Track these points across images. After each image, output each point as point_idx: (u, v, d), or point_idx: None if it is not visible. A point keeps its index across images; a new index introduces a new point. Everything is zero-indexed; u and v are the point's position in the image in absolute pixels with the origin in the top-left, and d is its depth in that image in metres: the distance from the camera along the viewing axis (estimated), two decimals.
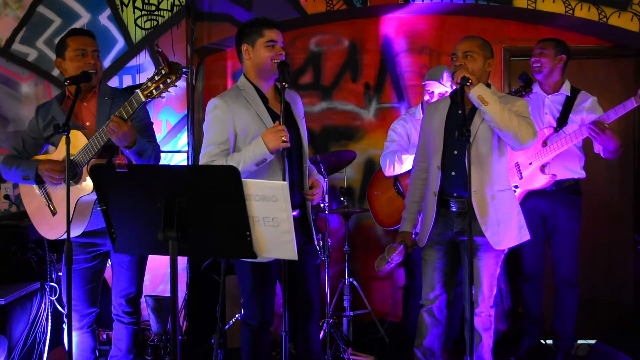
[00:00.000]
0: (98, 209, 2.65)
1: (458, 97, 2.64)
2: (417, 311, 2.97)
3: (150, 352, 3.63)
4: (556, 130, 3.31)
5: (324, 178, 3.65)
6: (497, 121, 2.58)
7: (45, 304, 3.31)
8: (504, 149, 2.75)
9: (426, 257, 2.89)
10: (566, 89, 3.39)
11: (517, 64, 4.28)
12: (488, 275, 2.78)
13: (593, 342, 3.63)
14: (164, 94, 2.38)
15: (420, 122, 3.51)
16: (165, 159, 3.99)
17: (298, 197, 2.53)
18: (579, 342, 3.68)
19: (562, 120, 3.33)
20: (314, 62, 4.34)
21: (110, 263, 2.92)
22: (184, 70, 2.35)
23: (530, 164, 3.32)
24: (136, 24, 3.98)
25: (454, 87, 3.23)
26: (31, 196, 2.84)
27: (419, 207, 2.97)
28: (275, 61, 2.50)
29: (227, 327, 3.56)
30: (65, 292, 2.82)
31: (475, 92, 2.59)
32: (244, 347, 2.60)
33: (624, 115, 3.19)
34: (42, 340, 3.26)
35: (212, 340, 3.53)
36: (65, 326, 2.90)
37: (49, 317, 3.29)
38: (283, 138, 2.38)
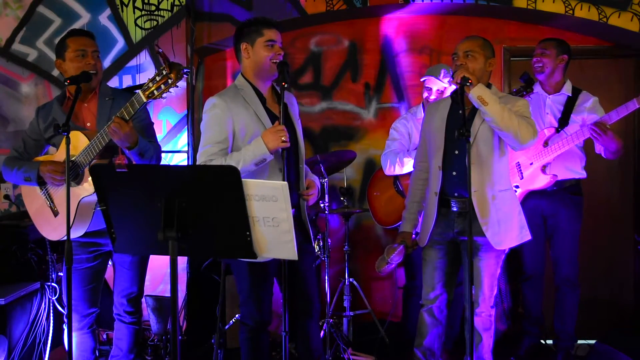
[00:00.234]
0: (99, 209, 2.66)
1: (458, 97, 2.64)
2: (417, 311, 2.97)
3: (150, 352, 3.63)
4: (557, 130, 3.31)
5: (324, 178, 3.66)
6: (497, 121, 2.58)
7: (45, 304, 3.31)
8: (505, 149, 2.75)
9: (427, 257, 2.89)
10: (567, 89, 3.39)
11: (517, 64, 4.28)
12: (489, 275, 2.78)
13: (593, 342, 3.63)
14: (165, 94, 2.38)
15: (421, 122, 3.53)
16: (165, 159, 3.99)
17: (294, 197, 2.53)
18: (579, 342, 3.68)
19: (563, 121, 3.33)
20: (314, 62, 4.34)
21: (111, 263, 2.92)
22: (185, 70, 2.35)
23: (531, 164, 3.32)
24: (136, 24, 3.98)
25: (451, 84, 3.24)
26: (33, 197, 2.85)
27: (419, 207, 2.97)
28: (274, 61, 2.50)
29: (227, 327, 3.56)
30: (66, 292, 2.83)
31: (475, 93, 2.59)
32: (242, 347, 2.60)
33: (624, 116, 3.19)
34: (42, 340, 3.26)
35: (212, 340, 3.53)
36: (65, 326, 2.90)
37: (49, 317, 3.29)
38: (283, 138, 2.38)
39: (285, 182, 1.80)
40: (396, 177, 3.65)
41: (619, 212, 4.30)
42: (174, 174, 1.88)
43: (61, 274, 3.34)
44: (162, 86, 2.35)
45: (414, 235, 2.99)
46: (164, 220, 1.72)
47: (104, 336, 3.72)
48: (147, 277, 3.92)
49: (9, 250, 3.32)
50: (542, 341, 3.72)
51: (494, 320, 2.86)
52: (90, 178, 2.56)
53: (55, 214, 2.76)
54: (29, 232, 3.29)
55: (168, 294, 3.79)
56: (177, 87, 2.38)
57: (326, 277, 3.70)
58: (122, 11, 3.97)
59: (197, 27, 4.06)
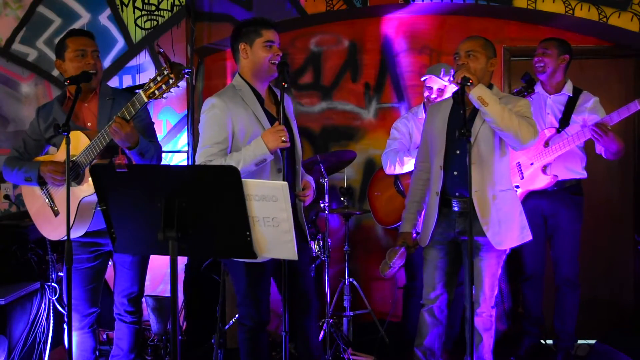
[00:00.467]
0: (100, 209, 2.66)
1: (459, 97, 2.65)
2: (418, 311, 2.97)
3: (150, 352, 3.63)
4: (558, 131, 3.31)
5: (324, 178, 3.66)
6: (497, 122, 2.58)
7: (45, 304, 3.31)
8: (506, 149, 2.75)
9: (427, 257, 2.89)
10: (568, 89, 3.39)
11: (517, 64, 4.28)
12: (489, 276, 2.78)
13: (593, 342, 3.63)
14: (166, 95, 2.38)
15: (422, 121, 3.53)
16: (165, 159, 3.99)
17: (291, 197, 2.53)
18: (579, 342, 3.68)
19: (564, 121, 3.32)
20: (314, 62, 4.34)
21: (111, 263, 2.92)
22: (186, 70, 2.35)
23: (532, 164, 3.32)
24: (136, 24, 3.98)
25: (452, 83, 3.24)
26: (33, 197, 2.85)
27: (419, 207, 2.97)
28: (273, 62, 2.50)
29: (227, 327, 3.56)
30: (66, 292, 2.82)
31: (475, 93, 2.59)
32: (242, 348, 2.59)
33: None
34: (42, 340, 3.26)
35: (212, 340, 3.53)
36: (66, 326, 2.90)
37: (49, 317, 3.29)
38: (283, 138, 2.38)
39: (285, 182, 1.80)
40: (397, 177, 3.65)
41: (619, 212, 4.30)
42: (174, 174, 1.88)
43: (61, 274, 3.34)
44: (163, 86, 2.35)
45: (414, 235, 2.99)
46: (164, 220, 1.72)
47: (104, 336, 3.72)
48: (147, 277, 3.91)
49: (9, 250, 3.32)
50: (542, 341, 3.72)
51: (495, 321, 2.86)
52: (90, 178, 2.57)
53: (56, 213, 2.76)
54: (29, 232, 3.29)
55: (168, 294, 3.79)
56: (178, 87, 2.38)
57: (326, 277, 3.70)
58: (122, 11, 3.97)
59: (197, 27, 4.07)
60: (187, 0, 3.98)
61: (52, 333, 3.28)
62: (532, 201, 3.36)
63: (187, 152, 4.00)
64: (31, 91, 3.97)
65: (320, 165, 3.58)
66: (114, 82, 3.96)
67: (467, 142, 2.45)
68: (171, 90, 2.37)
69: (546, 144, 3.29)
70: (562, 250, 3.41)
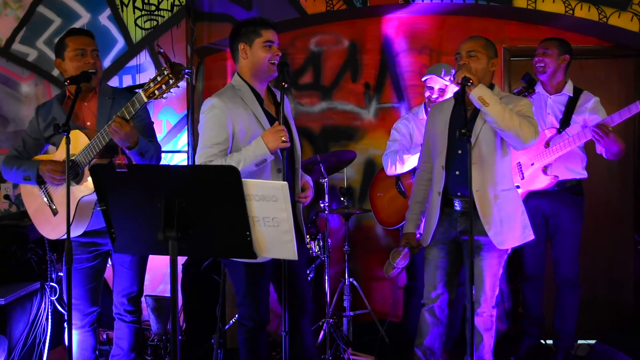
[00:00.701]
0: (99, 209, 2.66)
1: (460, 97, 2.65)
2: (418, 311, 2.97)
3: (150, 352, 3.63)
4: (559, 131, 3.30)
5: (324, 178, 3.66)
6: (498, 122, 2.59)
7: (45, 304, 3.31)
8: (507, 148, 2.76)
9: (429, 256, 2.90)
10: (569, 89, 3.39)
11: (517, 64, 4.28)
12: (491, 275, 2.78)
13: (593, 342, 3.63)
14: (166, 95, 2.38)
15: (422, 122, 3.54)
16: (165, 159, 3.99)
17: (290, 197, 2.53)
18: (579, 342, 3.68)
19: (565, 122, 3.32)
20: (314, 62, 4.34)
21: (110, 263, 2.92)
22: (186, 71, 2.35)
23: (533, 164, 3.32)
24: (136, 24, 3.98)
25: (452, 83, 3.25)
26: (32, 196, 2.85)
27: (422, 207, 2.97)
28: (273, 62, 2.50)
29: (227, 327, 3.56)
30: (66, 291, 2.82)
31: (476, 94, 2.59)
32: (241, 348, 2.59)
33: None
34: (42, 340, 3.26)
35: (212, 340, 3.53)
36: (66, 324, 2.90)
37: (49, 317, 3.29)
38: (283, 138, 2.38)
39: (285, 182, 1.80)
40: (398, 178, 3.65)
41: (619, 212, 4.30)
42: (174, 174, 1.88)
43: (61, 274, 3.34)
44: (163, 86, 2.35)
45: (418, 236, 2.99)
46: (164, 220, 1.72)
47: (104, 336, 3.72)
48: (147, 277, 3.91)
49: (9, 250, 3.32)
50: (542, 341, 3.72)
51: (496, 321, 2.86)
52: (90, 177, 2.57)
53: (55, 213, 2.76)
54: (29, 232, 3.29)
55: (168, 294, 3.79)
56: (178, 87, 2.38)
57: (326, 277, 3.70)
58: (122, 11, 3.97)
59: (197, 27, 4.07)
60: (187, 0, 3.98)
61: (51, 333, 3.28)
62: (532, 201, 3.36)
63: (187, 152, 4.00)
64: (31, 91, 3.97)
65: (320, 165, 3.58)
66: (114, 82, 3.96)
67: (468, 142, 2.46)
68: (171, 90, 2.37)
69: (547, 145, 3.29)
70: (563, 250, 3.41)
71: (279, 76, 2.47)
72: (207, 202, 1.76)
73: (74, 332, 2.78)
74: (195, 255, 3.56)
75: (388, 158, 3.55)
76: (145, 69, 3.98)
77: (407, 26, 4.30)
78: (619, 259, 4.30)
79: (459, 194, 2.77)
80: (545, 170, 3.30)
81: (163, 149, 3.95)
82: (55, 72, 3.92)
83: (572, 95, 3.37)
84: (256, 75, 2.54)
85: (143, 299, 3.72)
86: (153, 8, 3.98)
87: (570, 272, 3.40)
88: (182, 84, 3.93)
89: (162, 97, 2.38)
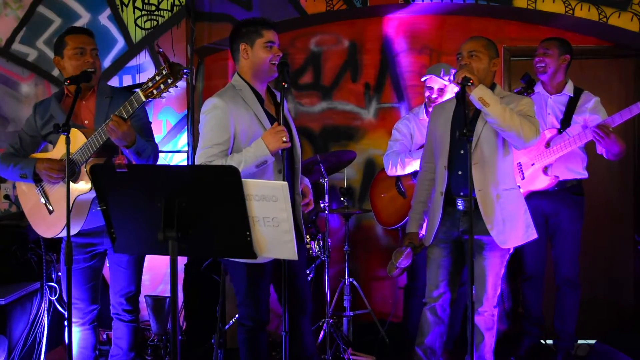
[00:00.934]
0: (97, 209, 2.66)
1: (460, 98, 2.65)
2: (418, 311, 2.97)
3: (150, 352, 3.63)
4: (560, 131, 3.30)
5: (324, 178, 3.66)
6: (499, 122, 2.59)
7: (45, 304, 3.31)
8: (509, 148, 2.76)
9: (431, 255, 2.90)
10: (569, 89, 3.39)
11: (517, 64, 4.28)
12: (493, 275, 2.78)
13: (593, 342, 3.63)
14: (164, 94, 2.38)
15: (423, 122, 3.55)
16: (165, 159, 3.99)
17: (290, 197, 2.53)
18: (579, 342, 3.68)
19: (565, 122, 3.32)
20: (314, 62, 4.34)
21: (107, 263, 2.91)
22: (185, 71, 2.35)
23: (533, 164, 3.32)
24: (136, 24, 3.98)
25: (452, 83, 3.25)
26: (28, 195, 2.84)
27: (425, 207, 2.97)
28: (274, 62, 2.50)
29: (227, 327, 3.56)
30: (65, 291, 2.82)
31: (476, 94, 2.59)
32: (241, 348, 2.59)
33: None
34: (42, 340, 3.26)
35: (212, 340, 3.53)
36: (66, 322, 2.91)
37: (48, 317, 3.29)
38: (283, 139, 2.37)
39: (285, 182, 1.80)
40: (398, 178, 3.65)
41: (619, 212, 4.30)
42: (174, 174, 1.88)
43: (60, 273, 3.34)
44: (162, 86, 2.35)
45: (421, 235, 2.99)
46: (164, 220, 1.72)
47: (104, 336, 3.72)
48: (147, 277, 3.91)
49: (9, 250, 3.32)
50: (542, 341, 3.72)
51: (497, 320, 2.86)
52: (86, 176, 2.57)
53: (50, 211, 2.75)
54: (29, 232, 3.29)
55: (168, 294, 3.79)
56: (177, 87, 2.38)
57: (326, 277, 3.70)
58: (122, 11, 3.97)
59: (197, 27, 4.07)
60: (187, 0, 3.98)
61: (48, 332, 3.28)
62: (533, 201, 3.35)
63: (187, 152, 4.00)
64: (31, 91, 3.97)
65: (320, 165, 3.58)
66: (114, 82, 3.96)
67: (468, 142, 2.46)
68: (170, 90, 2.36)
69: (547, 145, 3.29)
70: (563, 250, 3.41)
71: (279, 76, 2.47)
72: (207, 202, 1.76)
73: (74, 330, 2.79)
74: (195, 255, 3.56)
75: (389, 159, 3.55)
76: (145, 69, 3.98)
77: (407, 26, 4.30)
78: (619, 259, 4.30)
79: (461, 193, 2.77)
80: (545, 170, 3.30)
81: (163, 149, 3.97)
82: (56, 72, 3.92)
83: (572, 95, 3.37)
84: (257, 76, 2.54)
85: (142, 298, 3.72)
86: (153, 8, 3.98)
87: (570, 272, 3.40)
88: (182, 83, 3.94)
89: (161, 96, 2.38)
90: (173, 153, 4.02)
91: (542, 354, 3.65)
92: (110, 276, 2.87)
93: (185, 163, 3.98)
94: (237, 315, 3.48)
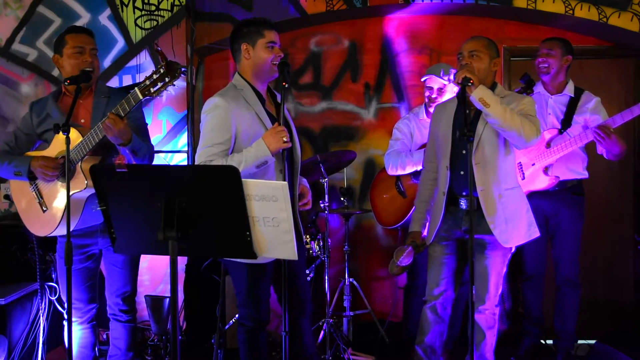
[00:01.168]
0: (94, 208, 2.66)
1: (461, 98, 2.65)
2: (418, 311, 2.97)
3: (150, 352, 3.63)
4: (560, 131, 3.30)
5: (324, 178, 3.66)
6: (500, 122, 2.59)
7: (45, 304, 3.31)
8: (510, 148, 2.76)
9: (433, 253, 2.90)
10: (570, 89, 3.38)
11: (517, 64, 4.28)
12: (495, 274, 2.79)
13: (593, 342, 3.63)
14: (162, 92, 2.38)
15: (423, 122, 3.55)
16: (165, 159, 3.99)
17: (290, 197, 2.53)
18: (579, 342, 3.68)
19: (566, 122, 3.32)
20: (314, 62, 4.34)
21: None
22: (183, 69, 2.34)
23: (534, 164, 3.32)
24: (136, 24, 3.98)
25: (452, 82, 3.25)
26: (22, 192, 2.83)
27: (428, 206, 2.97)
28: (275, 63, 2.50)
29: (227, 327, 3.56)
30: (61, 290, 2.82)
31: (477, 95, 2.59)
32: (241, 348, 2.59)
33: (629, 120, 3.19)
34: (42, 340, 3.26)
35: (212, 340, 3.53)
36: (65, 322, 2.90)
37: (48, 317, 3.29)
38: (284, 139, 2.37)
39: (285, 182, 1.80)
40: (398, 178, 3.65)
41: (619, 212, 4.30)
42: (174, 174, 1.88)
43: (57, 273, 3.33)
44: (159, 84, 2.35)
45: (424, 234, 2.99)
46: (164, 220, 1.72)
47: (104, 336, 3.72)
48: (147, 277, 3.91)
49: (9, 250, 3.32)
50: (542, 341, 3.72)
51: (498, 319, 2.86)
52: (81, 174, 2.57)
53: (44, 210, 2.75)
54: (29, 232, 3.29)
55: (168, 294, 3.79)
56: (175, 85, 2.38)
57: (326, 277, 3.70)
58: (122, 11, 3.97)
59: (197, 27, 4.07)
60: (187, 0, 3.98)
61: (48, 332, 3.28)
62: (533, 201, 3.33)
63: (187, 152, 4.00)
64: (31, 91, 3.97)
65: (320, 165, 3.58)
66: (114, 82, 3.96)
67: (469, 142, 2.46)
68: (167, 89, 2.36)
69: (548, 145, 3.29)
70: (563, 250, 3.41)
71: (280, 76, 2.47)
72: (207, 202, 1.76)
73: (74, 329, 2.78)
74: (195, 255, 3.56)
75: (390, 158, 3.55)
76: (145, 69, 3.97)
77: (407, 26, 4.30)
78: (619, 259, 4.30)
79: (464, 193, 2.78)
80: (546, 170, 3.30)
81: (163, 149, 3.97)
82: (56, 72, 3.92)
83: (573, 95, 3.37)
84: (258, 76, 2.54)
85: (142, 299, 3.72)
86: (153, 8, 3.98)
87: (570, 272, 3.40)
88: (181, 83, 3.95)
89: (159, 95, 2.38)
90: (173, 153, 4.02)
91: (542, 354, 3.65)
92: (106, 277, 2.86)
93: (185, 163, 3.98)
94: (237, 315, 3.48)
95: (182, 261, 3.84)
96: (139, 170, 1.91)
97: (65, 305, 2.83)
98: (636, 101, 3.14)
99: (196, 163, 2.44)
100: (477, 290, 2.77)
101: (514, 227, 2.74)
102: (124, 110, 2.46)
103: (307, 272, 3.60)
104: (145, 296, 3.69)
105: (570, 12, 3.87)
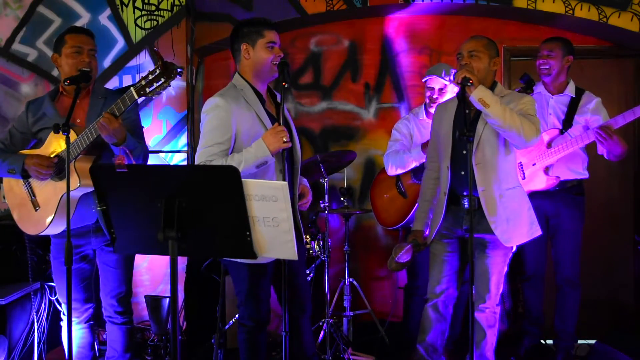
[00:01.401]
0: (96, 209, 2.66)
1: (460, 98, 2.66)
2: (419, 311, 2.97)
3: (150, 352, 3.63)
4: (561, 132, 3.30)
5: (324, 178, 3.66)
6: (500, 122, 2.59)
7: (45, 304, 3.30)
8: (510, 147, 2.77)
9: (434, 251, 2.91)
10: (571, 89, 3.38)
11: (517, 64, 4.28)
12: (496, 273, 2.79)
13: (593, 342, 3.63)
14: (161, 92, 2.37)
15: (423, 122, 3.55)
16: (165, 159, 3.99)
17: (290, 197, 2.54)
18: (579, 342, 3.67)
19: (567, 122, 3.32)
20: (314, 62, 4.34)
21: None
22: (179, 70, 2.34)
23: (534, 164, 3.32)
24: (136, 24, 3.98)
25: (452, 82, 3.25)
26: (15, 190, 2.83)
27: (431, 205, 2.98)
28: (275, 63, 2.50)
29: (227, 327, 3.56)
30: (57, 290, 2.81)
31: (476, 95, 2.60)
32: (241, 348, 2.59)
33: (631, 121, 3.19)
34: (42, 340, 3.26)
35: (212, 340, 3.53)
36: (62, 324, 2.90)
37: (48, 317, 3.29)
38: (284, 139, 2.37)
39: (286, 182, 1.80)
40: (398, 178, 3.65)
41: (619, 212, 4.30)
42: (174, 174, 1.87)
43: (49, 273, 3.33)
44: (155, 85, 2.35)
45: (427, 233, 2.99)
46: (164, 220, 1.72)
47: (104, 336, 3.71)
48: (147, 277, 3.91)
49: (9, 250, 3.32)
50: (542, 341, 3.71)
51: (499, 319, 2.86)
52: (74, 174, 2.57)
53: (36, 208, 2.75)
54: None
55: (168, 294, 3.78)
56: (171, 86, 2.37)
57: (326, 277, 3.70)
58: (122, 11, 3.97)
59: (197, 27, 4.07)
60: (187, 0, 3.98)
61: (47, 332, 3.27)
62: (534, 201, 3.32)
63: (187, 152, 4.00)
64: (31, 91, 3.97)
65: (320, 165, 3.58)
66: (114, 82, 3.96)
67: (468, 142, 2.46)
68: (164, 90, 2.36)
69: (549, 145, 3.28)
70: (564, 250, 3.40)
71: (280, 76, 2.47)
72: (207, 202, 1.76)
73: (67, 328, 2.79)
74: (195, 255, 3.56)
75: (389, 158, 3.55)
76: (145, 69, 3.97)
77: (407, 26, 4.30)
78: (619, 259, 4.30)
79: (465, 193, 2.78)
80: (547, 170, 3.30)
81: (163, 149, 3.97)
82: (55, 72, 3.92)
83: (574, 96, 3.36)
84: (258, 76, 2.54)
85: (142, 298, 3.72)
86: (153, 8, 3.98)
87: (571, 272, 3.40)
88: (181, 83, 3.94)
89: (154, 95, 2.38)
90: (173, 153, 4.02)
91: (542, 354, 3.64)
92: (100, 278, 2.85)
93: (185, 163, 3.98)
94: (237, 315, 3.48)
95: (182, 261, 3.84)
96: (139, 170, 1.91)
97: (62, 305, 2.84)
98: (636, 101, 3.14)
99: (196, 163, 2.44)
100: (478, 289, 2.78)
101: (515, 226, 2.75)
102: (119, 110, 2.46)
103: (307, 272, 3.60)
104: (145, 296, 3.69)
105: (570, 12, 3.87)
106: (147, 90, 2.36)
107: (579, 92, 3.37)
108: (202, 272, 3.79)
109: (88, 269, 2.83)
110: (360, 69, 4.34)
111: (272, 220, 1.80)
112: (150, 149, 3.96)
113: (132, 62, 3.98)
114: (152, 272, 3.95)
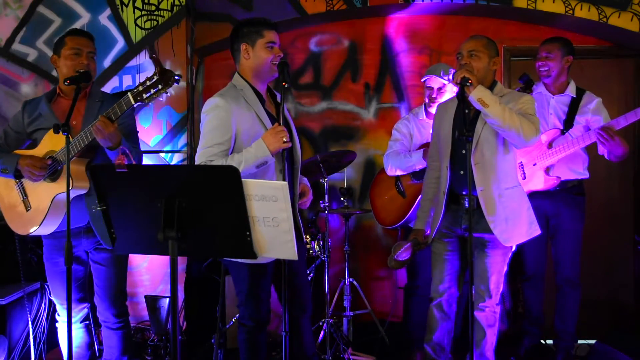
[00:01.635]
0: (96, 209, 2.66)
1: (460, 98, 2.66)
2: (419, 311, 2.98)
3: (150, 352, 3.63)
4: (562, 132, 3.30)
5: (324, 178, 3.66)
6: (499, 122, 2.59)
7: (45, 304, 3.30)
8: (510, 147, 2.77)
9: (435, 250, 2.91)
10: (572, 90, 3.38)
11: (517, 64, 4.28)
12: (496, 272, 2.79)
13: (593, 342, 3.63)
14: (158, 98, 2.37)
15: (422, 123, 3.55)
16: (165, 159, 3.99)
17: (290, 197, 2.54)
18: (579, 342, 3.67)
19: (568, 122, 3.32)
20: (314, 62, 4.34)
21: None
22: (176, 78, 2.33)
23: (535, 164, 3.31)
24: (136, 24, 3.98)
25: (451, 82, 3.25)
26: (6, 190, 2.82)
27: (432, 204, 2.99)
28: (275, 63, 2.50)
29: (227, 327, 3.56)
30: (51, 290, 2.81)
31: (475, 95, 2.60)
32: (241, 348, 2.60)
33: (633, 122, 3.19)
34: (42, 340, 3.26)
35: (212, 340, 3.53)
36: (57, 325, 2.89)
37: (48, 317, 3.29)
38: (284, 139, 2.37)
39: (286, 182, 1.80)
40: (398, 178, 3.65)
41: (619, 212, 4.30)
42: (174, 174, 1.87)
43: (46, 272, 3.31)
44: (152, 91, 2.35)
45: (427, 232, 2.99)
46: (164, 220, 1.72)
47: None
48: (147, 277, 3.91)
49: (9, 250, 3.31)
50: (542, 341, 3.71)
51: (499, 318, 2.86)
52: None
53: (28, 208, 2.75)
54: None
55: (168, 294, 3.78)
56: (167, 93, 2.37)
57: (326, 277, 3.70)
58: (122, 11, 3.97)
59: (197, 27, 4.07)
60: (187, 0, 3.98)
61: (47, 332, 3.27)
62: (534, 201, 3.33)
63: (187, 152, 4.00)
64: (31, 91, 3.97)
65: (320, 165, 3.58)
66: (114, 82, 3.96)
67: (467, 142, 2.46)
68: (160, 96, 2.36)
69: (550, 145, 3.28)
70: (564, 250, 3.40)
71: (279, 76, 2.47)
72: (207, 202, 1.76)
73: (67, 330, 2.78)
74: (195, 255, 3.56)
75: (389, 159, 3.55)
76: (145, 69, 3.97)
77: (407, 26, 4.30)
78: (619, 259, 4.30)
79: (464, 193, 2.78)
80: (547, 170, 3.30)
81: (163, 149, 3.97)
82: (55, 73, 3.92)
83: (574, 96, 3.36)
84: (258, 76, 2.54)
85: (142, 299, 3.72)
86: (153, 8, 3.98)
87: (571, 272, 3.40)
88: (182, 83, 3.94)
89: (151, 101, 2.38)
90: (173, 153, 4.02)
91: (542, 354, 3.64)
92: (94, 280, 2.84)
93: (185, 163, 3.98)
94: (237, 315, 3.48)
95: (182, 261, 3.84)
96: (139, 170, 1.91)
97: (57, 305, 2.83)
98: (636, 101, 3.14)
99: (196, 163, 2.44)
100: (478, 288, 2.78)
101: (514, 226, 2.75)
102: (115, 114, 2.47)
103: (307, 272, 3.60)
104: (145, 296, 3.69)
105: (570, 12, 3.87)
106: (144, 96, 2.36)
107: (580, 92, 3.37)
108: (202, 272, 3.79)
109: (80, 269, 2.83)
110: (360, 69, 4.34)
111: (272, 220, 1.80)
112: (150, 149, 3.97)
113: (132, 62, 3.98)
114: (152, 272, 3.95)
